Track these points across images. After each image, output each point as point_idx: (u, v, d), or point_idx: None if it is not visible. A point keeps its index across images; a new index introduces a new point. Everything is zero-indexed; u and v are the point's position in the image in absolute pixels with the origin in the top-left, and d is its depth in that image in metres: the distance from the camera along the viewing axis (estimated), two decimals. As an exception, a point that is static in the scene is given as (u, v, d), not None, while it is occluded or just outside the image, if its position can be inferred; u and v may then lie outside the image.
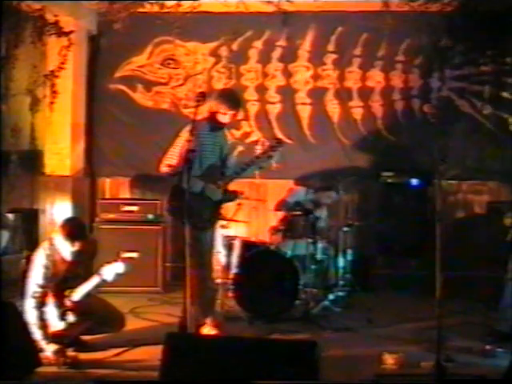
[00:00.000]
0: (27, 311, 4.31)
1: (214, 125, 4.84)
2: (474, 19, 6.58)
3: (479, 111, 6.87)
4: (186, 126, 4.55)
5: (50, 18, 6.56)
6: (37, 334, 4.25)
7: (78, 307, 4.45)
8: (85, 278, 4.44)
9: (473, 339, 4.75)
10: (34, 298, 4.33)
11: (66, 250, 4.40)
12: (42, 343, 4.23)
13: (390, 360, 4.21)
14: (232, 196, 4.95)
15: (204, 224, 4.73)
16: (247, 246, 5.83)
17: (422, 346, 4.60)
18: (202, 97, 4.33)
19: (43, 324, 4.29)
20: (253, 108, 7.13)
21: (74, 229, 4.43)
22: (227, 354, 3.24)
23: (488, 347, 4.51)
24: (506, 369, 3.59)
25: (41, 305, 4.32)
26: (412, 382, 3.98)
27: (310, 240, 5.67)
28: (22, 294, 4.52)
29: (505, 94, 6.85)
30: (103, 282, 4.44)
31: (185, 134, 4.52)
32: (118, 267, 4.42)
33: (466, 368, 4.13)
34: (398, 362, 4.20)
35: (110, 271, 4.41)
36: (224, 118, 4.84)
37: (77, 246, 4.39)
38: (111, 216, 6.54)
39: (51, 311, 4.36)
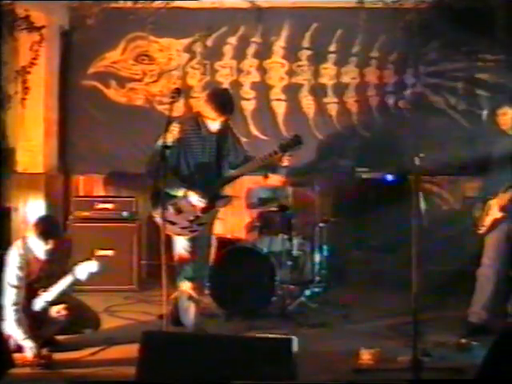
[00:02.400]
0: (4, 311, 4.25)
1: (204, 127, 4.57)
2: (448, 16, 6.64)
3: (453, 107, 6.93)
4: (173, 124, 4.42)
5: (20, 12, 6.45)
6: (17, 333, 4.19)
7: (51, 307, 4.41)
8: (59, 277, 4.38)
9: (448, 333, 4.79)
10: (10, 298, 4.26)
11: (40, 248, 4.33)
12: (22, 342, 4.18)
13: (366, 355, 4.22)
14: (221, 202, 4.66)
15: (190, 227, 4.58)
16: (223, 242, 5.81)
17: (399, 341, 4.63)
18: (178, 93, 4.27)
19: (21, 322, 4.23)
20: (228, 104, 7.10)
21: (47, 227, 4.36)
22: (204, 351, 3.22)
23: (463, 341, 4.55)
24: (481, 362, 3.62)
25: (17, 304, 4.26)
26: (389, 376, 4.00)
27: (285, 236, 5.67)
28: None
29: (478, 91, 6.91)
30: (76, 281, 4.39)
31: (169, 131, 4.33)
32: (91, 266, 4.38)
33: (442, 362, 4.17)
34: (374, 357, 4.21)
35: (84, 270, 4.37)
36: (213, 125, 4.55)
37: (50, 245, 4.32)
38: (85, 214, 6.46)
39: (25, 311, 4.31)
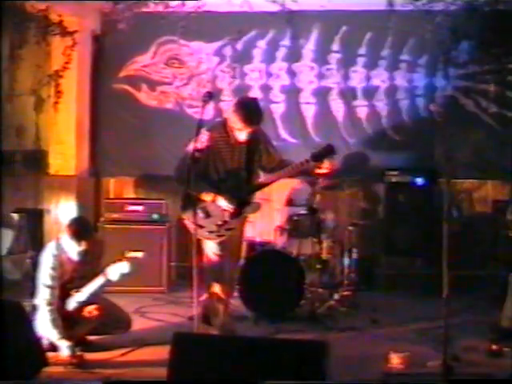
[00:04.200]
0: (39, 312, 4.32)
1: (232, 135, 4.58)
2: (478, 18, 6.59)
3: (484, 110, 6.86)
4: (202, 130, 4.43)
5: (54, 17, 6.57)
6: (52, 333, 4.26)
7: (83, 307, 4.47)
8: (91, 278, 4.44)
9: (479, 338, 4.74)
10: (44, 298, 4.33)
11: (73, 249, 4.40)
12: (58, 342, 4.25)
13: (396, 359, 4.20)
14: (249, 208, 4.66)
15: (217, 232, 4.60)
16: (252, 245, 5.84)
17: (428, 346, 4.60)
18: (209, 96, 4.30)
19: (56, 323, 4.30)
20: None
21: (80, 228, 4.43)
22: (234, 353, 3.24)
23: (494, 347, 4.50)
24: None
25: (51, 305, 4.33)
26: (419, 381, 3.98)
27: (315, 239, 5.67)
28: (30, 294, 4.55)
29: (509, 93, 6.84)
30: (108, 282, 4.45)
31: (200, 135, 4.34)
32: (123, 267, 4.43)
33: (472, 367, 4.13)
34: (404, 361, 4.19)
35: (115, 271, 4.42)
36: (241, 135, 4.55)
37: (83, 246, 4.39)
38: (116, 216, 6.53)
39: (58, 311, 4.38)
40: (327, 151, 4.48)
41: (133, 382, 3.94)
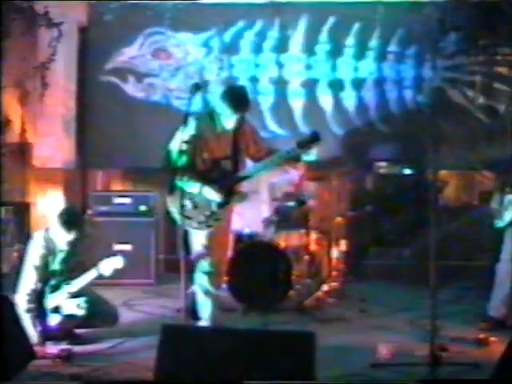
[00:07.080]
0: (23, 304, 4.31)
1: (219, 124, 4.57)
2: (465, 9, 6.59)
3: (471, 101, 6.89)
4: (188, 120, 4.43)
5: (39, 9, 6.50)
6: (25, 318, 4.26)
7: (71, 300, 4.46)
8: (80, 270, 4.43)
9: (466, 328, 4.78)
10: (27, 286, 4.33)
11: (62, 238, 4.38)
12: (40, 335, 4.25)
13: (383, 350, 4.22)
14: (236, 198, 4.63)
15: (206, 222, 4.59)
16: (240, 237, 5.83)
17: (416, 336, 4.62)
18: (196, 88, 4.27)
19: (31, 310, 4.30)
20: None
21: (70, 217, 4.42)
22: (223, 345, 3.24)
23: (481, 336, 4.54)
24: (499, 357, 3.61)
25: (31, 295, 4.33)
26: (406, 371, 3.99)
27: (303, 231, 5.67)
28: (14, 287, 4.53)
29: (496, 85, 6.86)
30: (100, 276, 4.44)
31: (187, 126, 4.27)
32: (117, 262, 4.42)
33: (459, 357, 4.15)
34: (391, 351, 4.21)
35: (109, 266, 4.41)
36: (229, 122, 4.55)
37: (73, 235, 4.37)
38: (103, 208, 6.51)
39: (47, 304, 4.37)
40: (313, 138, 4.47)
41: (115, 382, 3.92)
